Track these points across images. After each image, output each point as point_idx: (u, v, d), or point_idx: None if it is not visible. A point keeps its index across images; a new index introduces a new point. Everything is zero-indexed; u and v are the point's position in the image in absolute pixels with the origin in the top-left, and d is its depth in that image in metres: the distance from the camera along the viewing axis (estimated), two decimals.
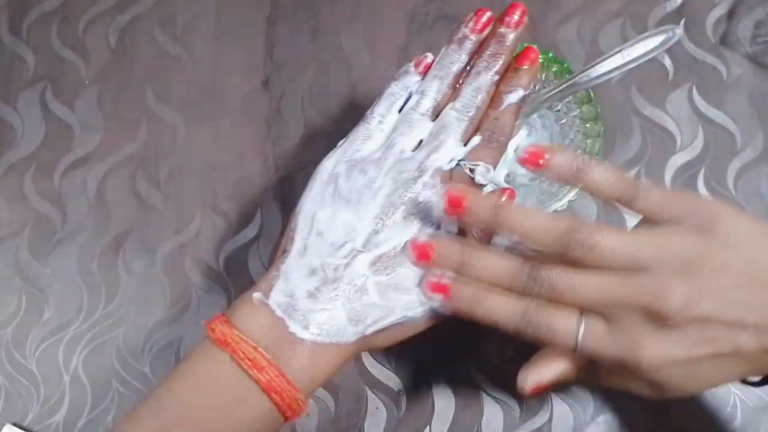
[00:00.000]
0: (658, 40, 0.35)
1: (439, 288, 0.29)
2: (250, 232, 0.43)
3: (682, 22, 0.45)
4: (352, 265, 0.29)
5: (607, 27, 0.45)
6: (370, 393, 0.40)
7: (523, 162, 0.29)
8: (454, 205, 0.29)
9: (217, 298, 0.43)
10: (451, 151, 0.31)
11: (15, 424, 0.41)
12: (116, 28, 0.48)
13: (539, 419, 0.39)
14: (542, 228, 0.28)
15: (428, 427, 0.40)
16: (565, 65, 0.39)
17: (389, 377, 0.40)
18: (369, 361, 0.41)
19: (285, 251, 0.31)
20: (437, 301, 0.29)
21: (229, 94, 0.46)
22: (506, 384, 0.40)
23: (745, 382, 0.31)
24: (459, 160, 0.32)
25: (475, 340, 0.40)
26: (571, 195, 0.38)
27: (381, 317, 0.30)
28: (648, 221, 0.29)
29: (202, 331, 0.42)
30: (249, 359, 0.28)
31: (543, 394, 0.30)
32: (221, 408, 0.28)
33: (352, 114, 0.45)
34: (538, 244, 0.28)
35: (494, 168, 0.32)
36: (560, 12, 0.45)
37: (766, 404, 0.39)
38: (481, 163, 0.31)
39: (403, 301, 0.30)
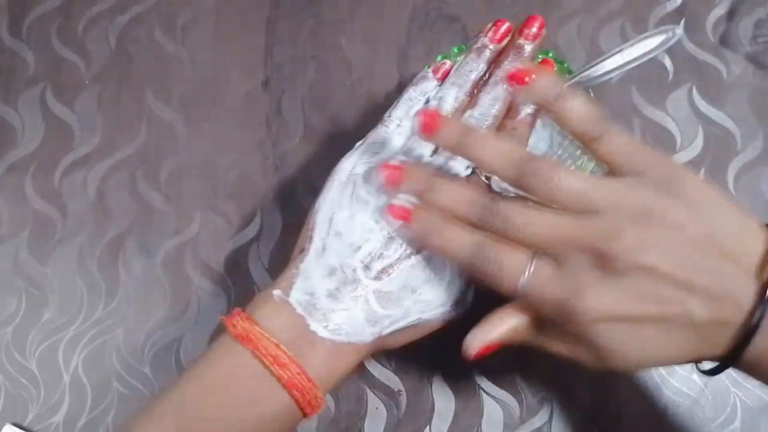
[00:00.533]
0: (658, 40, 0.35)
1: (401, 212, 0.29)
2: (250, 232, 0.43)
3: (682, 22, 0.45)
4: (370, 268, 0.30)
5: (607, 27, 0.45)
6: (370, 393, 0.40)
7: (510, 78, 0.29)
8: (427, 127, 0.29)
9: (217, 298, 0.43)
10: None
11: (15, 424, 0.41)
12: (116, 28, 0.48)
13: (539, 419, 0.39)
14: (502, 153, 0.28)
15: (428, 427, 0.40)
16: (565, 65, 0.39)
17: (389, 377, 0.40)
18: (369, 362, 0.41)
19: (303, 250, 0.31)
20: (396, 226, 0.29)
21: (229, 94, 0.46)
22: (506, 384, 0.40)
23: (699, 369, 0.29)
24: (475, 167, 0.32)
25: None
26: None
27: (397, 319, 0.30)
28: (611, 173, 0.28)
29: (202, 331, 0.42)
30: (271, 356, 0.28)
31: (489, 354, 0.29)
32: (242, 403, 0.28)
33: (352, 114, 0.45)
34: (496, 170, 0.28)
35: None
36: (560, 11, 0.45)
37: (766, 404, 0.39)
38: None
39: (419, 304, 0.30)
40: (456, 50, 0.41)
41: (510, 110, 0.33)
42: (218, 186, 0.44)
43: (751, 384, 0.39)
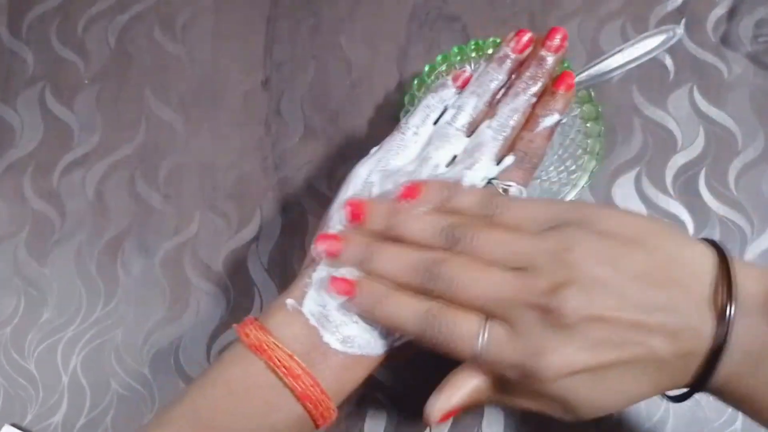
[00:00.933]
0: (658, 39, 0.35)
1: (344, 286, 0.29)
2: (250, 232, 0.43)
3: (683, 21, 0.44)
4: None
5: (607, 26, 0.45)
6: (370, 394, 0.40)
7: (402, 195, 0.30)
8: (354, 215, 0.29)
9: (216, 299, 0.42)
10: (484, 169, 0.31)
11: (14, 425, 0.41)
12: (116, 28, 0.48)
13: (539, 421, 0.39)
14: (425, 228, 0.28)
15: (428, 428, 0.39)
16: (566, 65, 0.39)
17: (389, 378, 0.40)
18: None
19: (315, 258, 0.31)
20: (340, 301, 0.29)
21: (228, 94, 0.46)
22: None
23: (666, 397, 0.29)
24: (491, 179, 0.32)
25: None
26: (572, 195, 0.38)
27: None
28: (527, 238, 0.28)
29: (201, 331, 0.42)
30: (285, 367, 0.28)
31: (451, 418, 0.28)
32: (254, 414, 0.28)
33: (352, 114, 0.45)
34: (423, 242, 0.28)
35: (525, 189, 0.32)
36: (561, 11, 0.45)
37: None
38: (513, 184, 0.32)
39: None
40: (456, 50, 0.41)
41: (528, 122, 0.33)
42: (217, 186, 0.44)
43: None
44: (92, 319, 0.42)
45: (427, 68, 0.41)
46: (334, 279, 0.29)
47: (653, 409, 0.39)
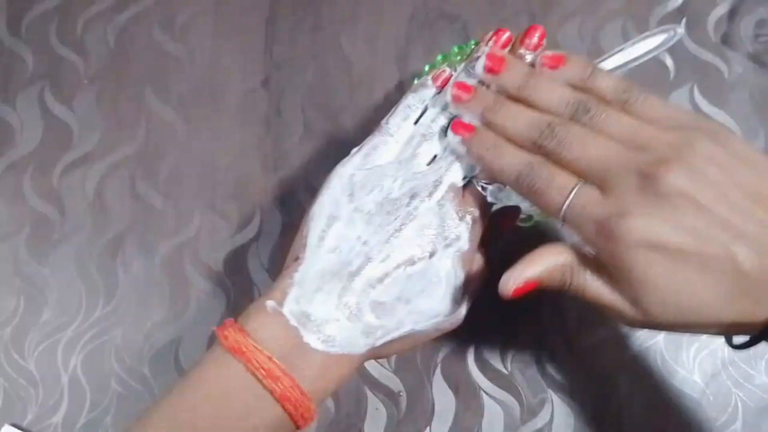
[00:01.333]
0: (659, 39, 0.35)
1: (464, 127, 0.31)
2: (250, 232, 0.43)
3: (684, 21, 0.44)
4: (365, 278, 0.29)
5: (608, 26, 0.45)
6: (369, 394, 0.40)
7: (544, 63, 0.31)
8: (494, 66, 0.31)
9: (216, 298, 0.42)
10: (465, 169, 0.31)
11: (14, 425, 0.41)
12: (115, 28, 0.48)
13: (540, 420, 0.39)
14: (556, 98, 0.29)
15: (428, 428, 0.39)
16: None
17: (389, 378, 0.40)
18: (369, 362, 0.40)
19: (297, 258, 0.31)
20: (455, 142, 0.31)
21: (228, 94, 0.46)
22: (507, 385, 0.40)
23: (730, 344, 0.29)
24: (471, 177, 0.32)
25: (475, 340, 0.40)
26: None
27: (391, 330, 0.30)
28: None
29: (201, 331, 0.42)
30: (264, 369, 0.28)
31: (526, 293, 0.28)
32: (234, 416, 0.28)
33: (352, 114, 0.45)
34: (553, 112, 0.29)
35: (505, 187, 0.32)
36: (561, 10, 0.45)
37: (767, 405, 0.39)
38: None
39: (413, 315, 0.30)
40: (456, 49, 0.41)
41: None
42: (217, 186, 0.44)
43: (753, 385, 0.39)
44: (92, 319, 0.42)
45: (427, 68, 0.41)
46: (457, 121, 0.31)
47: (655, 407, 0.39)
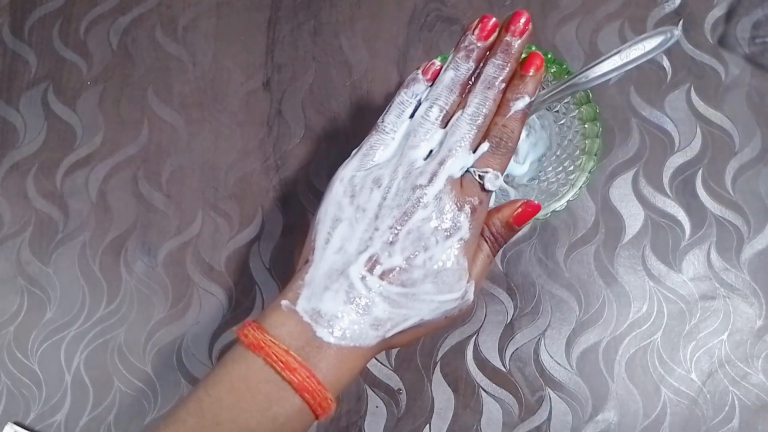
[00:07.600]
0: (656, 41, 0.35)
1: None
2: (251, 231, 0.44)
3: (681, 23, 0.45)
4: (371, 273, 0.30)
5: (605, 28, 0.45)
6: (370, 392, 0.40)
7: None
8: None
9: (218, 298, 0.43)
10: (462, 160, 0.32)
11: (17, 423, 0.41)
12: (118, 29, 0.48)
13: (538, 418, 0.39)
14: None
15: (428, 425, 0.40)
16: (564, 66, 0.40)
17: (389, 376, 0.41)
18: (369, 361, 0.41)
19: (307, 261, 0.32)
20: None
21: (229, 95, 0.46)
22: (506, 383, 0.40)
23: None
24: (468, 168, 0.32)
25: (474, 339, 0.41)
26: (570, 195, 0.38)
27: (399, 321, 0.31)
28: None
29: (203, 330, 0.42)
30: (282, 361, 0.29)
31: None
32: (256, 407, 0.29)
33: (352, 114, 0.45)
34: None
35: (502, 174, 0.33)
36: (559, 13, 0.46)
37: (764, 404, 0.39)
38: (490, 170, 0.32)
39: (420, 306, 0.31)
40: None
41: (500, 108, 0.33)
42: (219, 186, 0.45)
43: (750, 383, 0.39)
44: (95, 318, 0.43)
45: None
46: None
47: (652, 406, 0.39)
